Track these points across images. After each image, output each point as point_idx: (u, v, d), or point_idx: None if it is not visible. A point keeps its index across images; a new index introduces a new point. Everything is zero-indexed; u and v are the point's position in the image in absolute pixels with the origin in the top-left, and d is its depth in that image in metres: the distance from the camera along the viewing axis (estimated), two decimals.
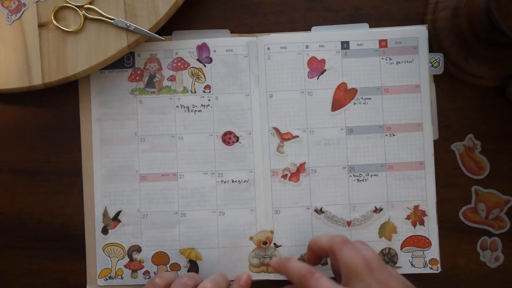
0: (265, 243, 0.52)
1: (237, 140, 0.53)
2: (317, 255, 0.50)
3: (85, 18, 0.50)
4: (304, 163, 0.52)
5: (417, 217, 0.52)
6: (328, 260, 0.52)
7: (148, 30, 0.50)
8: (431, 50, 0.53)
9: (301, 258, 0.52)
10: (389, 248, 0.52)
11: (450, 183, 0.53)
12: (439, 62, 0.52)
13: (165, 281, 0.47)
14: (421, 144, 0.52)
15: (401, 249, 0.52)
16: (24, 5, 0.51)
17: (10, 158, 0.54)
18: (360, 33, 0.53)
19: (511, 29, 0.42)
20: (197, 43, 0.53)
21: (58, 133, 0.54)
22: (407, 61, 0.52)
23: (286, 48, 0.52)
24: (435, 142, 0.52)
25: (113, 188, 0.53)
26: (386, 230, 0.52)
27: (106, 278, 0.52)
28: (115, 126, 0.53)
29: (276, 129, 0.52)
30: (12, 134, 0.54)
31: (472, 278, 0.53)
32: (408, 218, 0.52)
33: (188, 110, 0.53)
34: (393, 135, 0.52)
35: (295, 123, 0.52)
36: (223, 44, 0.53)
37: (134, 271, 0.53)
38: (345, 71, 0.52)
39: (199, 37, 0.53)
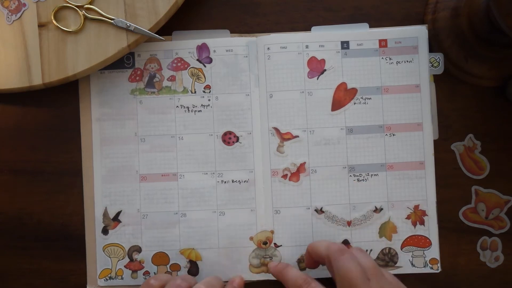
0: (265, 243, 0.52)
1: (237, 140, 0.53)
2: (314, 260, 0.50)
3: (85, 18, 0.50)
4: (304, 163, 0.52)
5: (417, 216, 0.52)
6: None
7: (148, 30, 0.50)
8: (431, 50, 0.53)
9: (301, 258, 0.52)
10: (389, 248, 0.52)
11: (450, 183, 0.53)
12: (439, 62, 0.53)
13: (160, 282, 0.47)
14: (421, 144, 0.52)
15: (401, 249, 0.52)
16: (24, 5, 0.51)
17: (10, 158, 0.54)
18: (360, 33, 0.53)
19: (511, 29, 0.42)
20: (197, 43, 0.53)
21: (58, 133, 0.54)
22: (407, 61, 0.52)
23: (286, 48, 0.52)
24: (435, 142, 0.52)
25: (113, 188, 0.53)
26: (386, 230, 0.52)
27: (106, 279, 0.52)
28: (115, 126, 0.53)
29: (276, 129, 0.52)
30: (12, 134, 0.54)
31: (472, 278, 0.53)
32: (408, 217, 0.52)
33: (188, 110, 0.53)
34: (393, 135, 0.52)
35: (295, 123, 0.52)
36: (223, 44, 0.53)
37: (134, 271, 0.53)
38: (345, 71, 0.52)
39: (199, 37, 0.53)
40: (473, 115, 0.53)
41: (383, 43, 0.52)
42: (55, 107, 0.54)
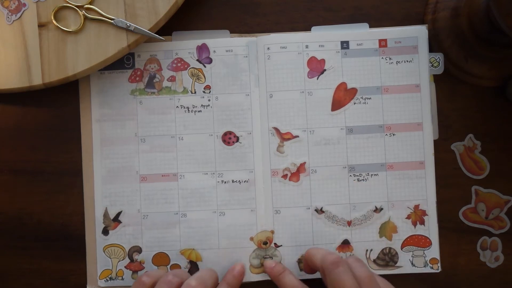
0: (265, 243, 0.52)
1: (237, 140, 0.53)
2: (311, 267, 0.50)
3: (85, 18, 0.50)
4: (304, 163, 0.52)
5: (417, 216, 0.52)
6: None
7: (148, 30, 0.50)
8: (431, 50, 0.53)
9: (302, 258, 0.52)
10: (390, 248, 0.52)
11: (450, 183, 0.53)
12: (439, 62, 0.53)
13: (152, 279, 0.47)
14: (421, 144, 0.52)
15: (401, 249, 0.52)
16: (24, 5, 0.51)
17: (10, 158, 0.54)
18: (360, 33, 0.53)
19: (511, 29, 0.42)
20: (197, 43, 0.53)
21: (58, 133, 0.54)
22: (407, 61, 0.52)
23: (286, 48, 0.52)
24: (435, 142, 0.52)
25: (113, 189, 0.53)
26: (386, 229, 0.52)
27: (106, 279, 0.52)
28: (115, 126, 0.53)
29: (276, 129, 0.52)
30: (12, 134, 0.54)
31: (472, 278, 0.53)
32: (408, 217, 0.52)
33: (188, 110, 0.53)
34: (393, 134, 0.52)
35: (295, 123, 0.52)
36: (223, 44, 0.53)
37: (135, 272, 0.53)
38: (345, 71, 0.52)
39: (199, 38, 0.53)
40: (473, 115, 0.53)
41: (383, 43, 0.52)
42: (55, 107, 0.54)
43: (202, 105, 0.53)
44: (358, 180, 0.52)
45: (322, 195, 0.52)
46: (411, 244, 0.52)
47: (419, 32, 0.52)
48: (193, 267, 0.52)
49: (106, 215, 0.53)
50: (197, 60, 0.53)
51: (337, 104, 0.53)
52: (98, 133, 0.53)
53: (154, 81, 0.53)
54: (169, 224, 0.52)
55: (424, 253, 0.52)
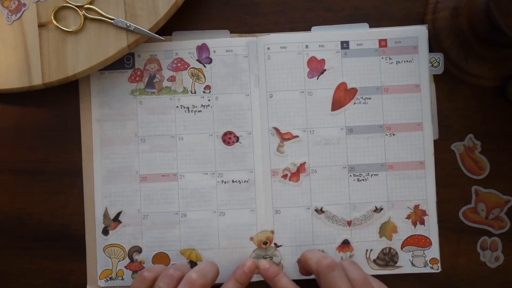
0: (265, 243, 0.52)
1: (237, 140, 0.53)
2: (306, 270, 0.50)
3: (85, 18, 0.50)
4: (304, 163, 0.52)
5: (417, 216, 0.52)
6: None
7: (148, 30, 0.50)
8: (431, 50, 0.53)
9: None
10: (390, 248, 0.52)
11: (450, 183, 0.53)
12: (439, 62, 0.53)
13: (153, 274, 0.47)
14: (421, 144, 0.52)
15: (401, 249, 0.52)
16: (24, 5, 0.51)
17: (10, 158, 0.54)
18: (360, 33, 0.53)
19: (511, 29, 0.42)
20: (197, 43, 0.53)
21: (58, 133, 0.54)
22: (407, 61, 0.52)
23: (286, 48, 0.52)
24: (435, 142, 0.52)
25: (114, 189, 0.53)
26: (386, 229, 0.52)
27: (106, 279, 0.52)
28: (115, 126, 0.53)
29: (276, 129, 0.52)
30: (12, 134, 0.54)
31: (472, 278, 0.53)
32: (408, 217, 0.52)
33: (188, 110, 0.53)
34: (393, 134, 0.52)
35: (295, 123, 0.52)
36: (223, 44, 0.53)
37: (135, 272, 0.53)
38: (345, 71, 0.52)
39: (199, 38, 0.53)
40: (473, 115, 0.53)
41: (383, 43, 0.52)
42: (55, 107, 0.54)
43: (202, 105, 0.53)
44: (358, 180, 0.52)
45: (322, 195, 0.52)
46: (411, 244, 0.52)
47: (419, 32, 0.52)
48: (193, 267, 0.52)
49: (106, 215, 0.53)
50: (197, 60, 0.53)
51: (337, 104, 0.53)
52: (98, 133, 0.53)
53: (154, 81, 0.53)
54: (169, 224, 0.52)
55: (424, 253, 0.52)
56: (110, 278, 0.52)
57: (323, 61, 0.52)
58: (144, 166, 0.53)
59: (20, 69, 0.50)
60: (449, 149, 0.53)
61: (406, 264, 0.52)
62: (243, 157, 0.53)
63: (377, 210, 0.52)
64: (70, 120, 0.53)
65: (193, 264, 0.52)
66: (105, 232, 0.53)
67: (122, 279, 0.52)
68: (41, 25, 0.51)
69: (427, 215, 0.52)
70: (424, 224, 0.52)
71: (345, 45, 0.53)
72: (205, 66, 0.53)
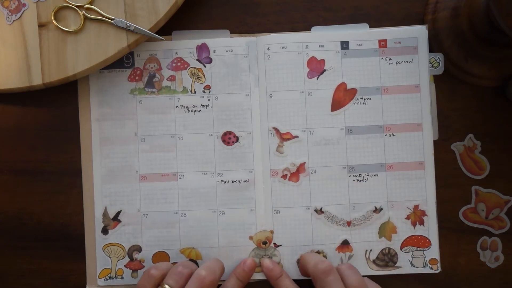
0: (265, 243, 0.52)
1: (237, 140, 0.53)
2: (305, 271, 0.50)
3: (85, 18, 0.50)
4: (304, 163, 0.52)
5: (417, 217, 0.52)
6: None
7: (148, 30, 0.50)
8: (431, 50, 0.53)
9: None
10: (389, 248, 0.52)
11: (450, 183, 0.53)
12: (439, 62, 0.52)
13: (160, 271, 0.48)
14: (421, 144, 0.52)
15: (401, 249, 0.52)
16: (24, 5, 0.51)
17: (10, 158, 0.54)
18: (360, 33, 0.53)
19: (511, 29, 0.42)
20: (197, 43, 0.53)
21: (58, 133, 0.54)
22: (407, 61, 0.52)
23: (286, 48, 0.52)
24: (435, 142, 0.52)
25: (113, 188, 0.53)
26: (386, 230, 0.52)
27: (106, 278, 0.53)
28: (115, 126, 0.53)
29: (276, 129, 0.52)
30: (12, 134, 0.54)
31: (472, 278, 0.53)
32: (408, 218, 0.52)
33: (188, 110, 0.53)
34: (393, 135, 0.52)
35: (295, 123, 0.52)
36: (223, 44, 0.53)
37: (135, 271, 0.53)
38: (345, 71, 0.52)
39: (199, 37, 0.53)
40: (473, 115, 0.53)
41: (383, 43, 0.52)
42: (55, 107, 0.54)
43: (202, 105, 0.53)
44: (357, 180, 0.52)
45: (322, 195, 0.52)
46: (410, 245, 0.52)
47: (419, 32, 0.52)
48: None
49: (105, 214, 0.53)
50: (197, 59, 0.53)
51: (336, 104, 0.52)
52: (97, 132, 0.53)
53: (154, 80, 0.53)
54: (169, 223, 0.52)
55: (423, 253, 0.52)
56: (110, 277, 0.53)
57: (323, 61, 0.52)
58: (143, 166, 0.53)
59: (20, 69, 0.50)
60: (449, 149, 0.53)
61: (406, 265, 0.52)
62: (243, 157, 0.53)
63: (377, 210, 0.52)
64: (70, 120, 0.54)
65: (193, 262, 0.52)
66: (105, 231, 0.53)
67: (122, 278, 0.53)
68: (41, 25, 0.51)
69: (426, 215, 0.52)
70: (423, 225, 0.52)
71: (345, 45, 0.53)
72: (205, 66, 0.53)
